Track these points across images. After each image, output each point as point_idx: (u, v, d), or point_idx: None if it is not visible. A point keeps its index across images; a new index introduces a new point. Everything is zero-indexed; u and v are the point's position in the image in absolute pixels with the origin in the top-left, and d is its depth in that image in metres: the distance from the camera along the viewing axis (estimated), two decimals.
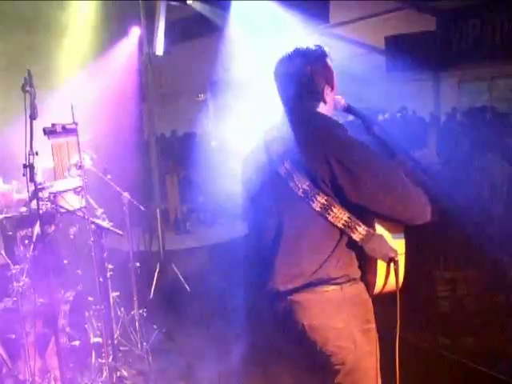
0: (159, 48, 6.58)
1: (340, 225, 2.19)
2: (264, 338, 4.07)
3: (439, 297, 5.76)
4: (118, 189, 4.80)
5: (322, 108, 2.40)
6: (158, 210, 7.09)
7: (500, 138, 8.26)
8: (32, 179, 2.99)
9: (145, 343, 4.80)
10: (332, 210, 2.18)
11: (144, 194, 7.22)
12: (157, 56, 6.80)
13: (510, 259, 5.73)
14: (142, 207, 5.11)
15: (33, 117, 2.92)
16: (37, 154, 2.96)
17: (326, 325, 2.27)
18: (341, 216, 2.18)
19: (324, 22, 9.63)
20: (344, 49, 14.31)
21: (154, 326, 5.16)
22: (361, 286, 2.33)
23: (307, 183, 2.20)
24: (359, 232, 2.18)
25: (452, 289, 5.74)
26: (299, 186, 2.21)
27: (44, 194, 3.88)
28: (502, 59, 12.57)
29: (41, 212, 3.26)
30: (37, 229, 3.82)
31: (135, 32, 6.89)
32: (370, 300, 2.36)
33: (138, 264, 5.04)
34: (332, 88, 2.41)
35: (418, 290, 5.51)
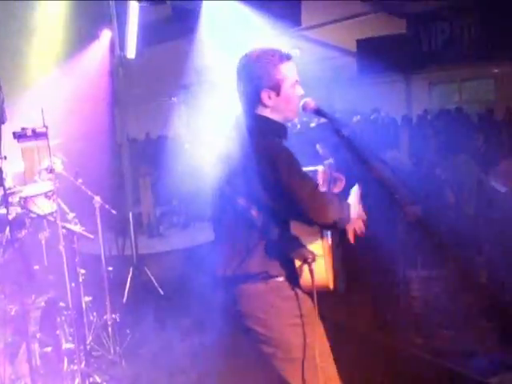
0: (131, 50, 6.54)
1: (259, 225, 2.39)
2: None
3: (413, 296, 5.83)
4: (89, 193, 4.76)
5: (265, 111, 2.49)
6: (130, 214, 7.04)
7: (469, 139, 8.41)
8: (1, 184, 2.95)
9: (118, 348, 4.77)
10: (251, 212, 2.37)
11: (117, 197, 7.16)
12: (129, 59, 6.76)
13: (481, 258, 5.82)
14: (113, 211, 5.07)
15: (1, 121, 2.89)
16: (5, 158, 2.93)
17: (251, 313, 2.46)
18: (258, 218, 2.37)
19: (296, 25, 9.66)
20: (316, 51, 14.42)
21: (128, 331, 5.12)
22: (286, 283, 2.46)
23: (231, 188, 2.41)
24: (274, 233, 2.39)
25: (426, 288, 5.81)
26: (231, 187, 2.42)
27: (14, 199, 3.83)
28: (471, 62, 12.78)
29: (11, 217, 3.21)
30: (7, 234, 3.76)
31: (106, 34, 6.83)
32: (304, 297, 2.48)
33: (110, 268, 5.00)
34: (278, 94, 2.46)
35: (391, 289, 5.58)
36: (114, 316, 4.94)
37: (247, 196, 2.38)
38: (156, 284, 6.63)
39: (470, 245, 5.75)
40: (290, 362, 2.45)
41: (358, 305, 5.85)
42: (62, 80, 6.85)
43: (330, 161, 2.78)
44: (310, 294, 2.48)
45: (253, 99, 2.48)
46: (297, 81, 2.52)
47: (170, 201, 10.18)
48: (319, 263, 2.40)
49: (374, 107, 14.57)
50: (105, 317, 4.92)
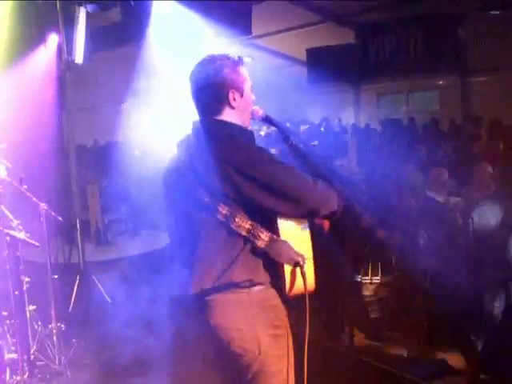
0: (79, 56, 6.46)
1: (244, 233, 2.28)
2: (184, 342, 4.09)
3: (366, 301, 5.93)
4: (34, 199, 4.67)
5: (230, 114, 2.46)
6: (77, 221, 6.93)
7: (416, 148, 8.61)
8: None
9: (63, 358, 4.69)
10: (234, 220, 2.27)
11: (63, 204, 7.04)
12: (77, 63, 6.67)
13: (428, 264, 5.96)
14: (60, 218, 4.99)
15: None
16: None
17: (229, 325, 2.34)
18: (243, 224, 2.27)
19: (246, 33, 9.69)
20: (266, 60, 14.53)
21: (73, 340, 5.04)
22: (271, 291, 2.39)
23: (208, 196, 2.30)
24: (262, 239, 2.28)
25: (375, 294, 5.91)
26: (203, 198, 2.32)
27: None
28: (417, 73, 13.11)
29: None
30: None
31: (53, 39, 6.73)
32: (282, 307, 2.42)
33: (55, 276, 4.92)
34: (241, 95, 2.47)
35: (338, 295, 5.66)
36: (59, 325, 4.86)
37: (229, 204, 2.28)
38: (103, 292, 6.55)
39: (416, 253, 5.88)
40: (265, 374, 2.37)
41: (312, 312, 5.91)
42: (6, 84, 6.70)
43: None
44: (287, 302, 2.42)
45: (218, 102, 2.45)
46: (251, 85, 2.54)
47: (119, 208, 10.06)
48: (309, 266, 2.33)
49: (324, 116, 14.80)
50: (50, 326, 4.84)
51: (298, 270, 2.30)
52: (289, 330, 2.44)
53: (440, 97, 15.15)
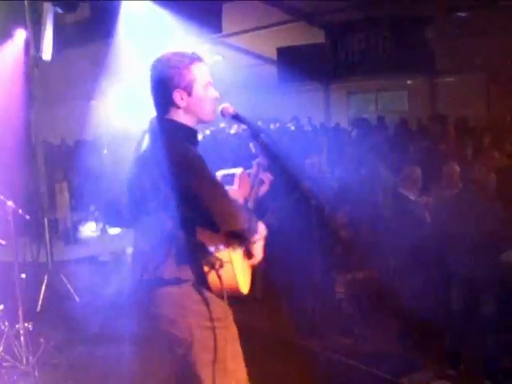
0: (47, 52, 6.37)
1: (169, 232, 2.41)
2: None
3: (337, 298, 5.98)
4: (1, 197, 4.60)
5: (177, 113, 2.51)
6: (45, 220, 6.84)
7: (384, 147, 8.70)
8: None
9: (31, 358, 4.61)
10: (164, 220, 2.40)
11: (31, 202, 6.95)
12: (45, 60, 6.59)
13: (398, 262, 6.03)
14: (27, 216, 4.92)
15: None
16: None
17: (165, 315, 2.48)
18: (167, 224, 2.40)
19: (216, 32, 9.70)
20: (237, 59, 14.54)
21: (41, 340, 4.97)
22: (198, 286, 2.47)
23: (151, 192, 2.40)
24: (183, 240, 2.41)
25: (347, 290, 5.97)
26: (147, 193, 2.42)
27: None
28: (386, 73, 13.24)
29: None
30: None
31: (21, 34, 6.63)
32: (216, 300, 2.50)
33: (23, 275, 4.85)
34: (189, 94, 2.48)
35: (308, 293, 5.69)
36: (26, 325, 4.78)
37: (159, 202, 2.38)
38: (72, 291, 6.49)
39: (386, 251, 5.95)
40: (201, 363, 2.47)
41: (277, 310, 5.95)
42: None
43: (259, 160, 2.80)
44: (222, 298, 2.50)
45: (165, 101, 2.49)
46: (209, 82, 2.54)
47: (88, 206, 9.94)
48: (227, 269, 2.44)
49: (294, 115, 14.84)
50: (17, 326, 4.76)
51: (213, 272, 2.43)
52: (222, 323, 2.52)
53: (409, 96, 15.32)
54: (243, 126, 2.96)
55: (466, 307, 4.78)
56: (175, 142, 2.42)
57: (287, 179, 2.68)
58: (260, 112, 13.62)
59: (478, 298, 4.67)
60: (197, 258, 2.43)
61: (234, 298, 2.52)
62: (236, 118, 2.71)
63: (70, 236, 9.55)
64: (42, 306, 6.12)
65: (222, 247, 2.46)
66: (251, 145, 2.78)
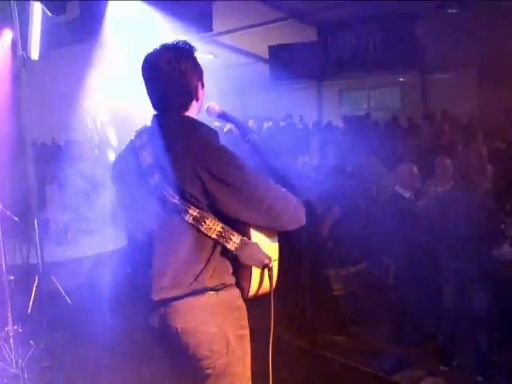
0: (34, 52, 6.32)
1: (214, 236, 2.19)
2: (144, 350, 4.05)
3: (337, 295, 5.97)
4: None
5: (193, 106, 2.36)
6: (35, 221, 6.78)
7: (376, 145, 8.69)
8: None
9: (20, 361, 4.57)
10: (205, 222, 2.18)
11: (21, 203, 6.89)
12: (33, 60, 6.53)
13: (390, 260, 6.03)
14: (15, 218, 4.88)
15: None
16: None
17: (199, 328, 2.25)
18: (214, 227, 2.19)
19: (207, 30, 9.65)
20: (228, 57, 14.51)
21: (31, 342, 4.93)
22: (236, 291, 2.34)
23: (177, 197, 2.18)
24: (234, 241, 2.21)
25: (343, 288, 5.96)
26: (170, 198, 2.19)
27: None
28: (377, 70, 13.26)
29: None
30: None
31: (7, 34, 6.58)
32: (244, 306, 2.38)
33: (11, 277, 4.80)
34: (203, 85, 2.39)
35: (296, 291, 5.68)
36: (16, 327, 4.75)
37: (199, 207, 2.18)
38: (63, 292, 6.44)
39: (380, 246, 5.94)
40: (230, 375, 2.31)
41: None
42: None
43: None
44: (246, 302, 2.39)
45: (186, 95, 2.33)
46: None
47: (79, 207, 9.89)
48: (275, 268, 2.31)
49: (287, 113, 14.84)
50: (6, 328, 4.72)
51: (266, 271, 2.27)
52: (248, 330, 2.41)
53: (400, 94, 15.34)
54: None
55: (457, 303, 4.77)
56: (213, 140, 2.28)
57: (277, 178, 2.61)
58: (252, 111, 13.63)
59: (470, 294, 4.66)
60: (245, 259, 2.23)
61: None
62: (223, 116, 2.62)
63: (61, 237, 9.54)
64: (32, 308, 6.07)
65: (270, 243, 2.32)
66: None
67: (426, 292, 5.07)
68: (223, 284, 2.27)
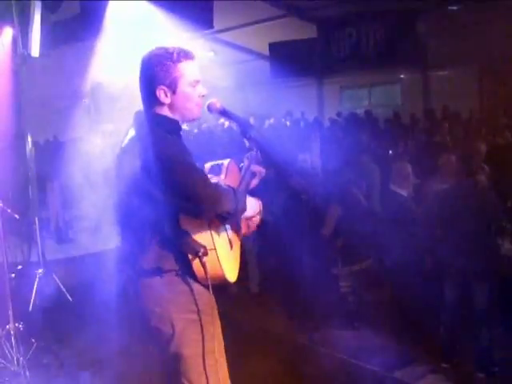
0: (35, 49, 6.32)
1: (151, 223, 2.39)
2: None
3: (343, 292, 5.97)
4: None
5: (163, 109, 2.49)
6: (36, 219, 6.78)
7: (376, 142, 8.68)
8: None
9: (22, 358, 4.57)
10: (141, 210, 2.37)
11: (22, 201, 6.89)
12: (33, 57, 6.53)
13: (388, 259, 6.02)
14: (16, 216, 4.87)
15: None
16: None
17: (147, 306, 2.46)
18: (148, 215, 2.36)
19: (208, 28, 9.64)
20: (229, 55, 14.50)
21: (33, 340, 4.92)
22: (180, 278, 2.45)
23: (129, 184, 2.40)
24: (166, 230, 2.39)
25: (349, 284, 5.95)
26: (122, 186, 2.45)
27: None
28: (378, 67, 13.22)
29: None
30: None
31: (8, 32, 6.57)
32: (196, 292, 2.46)
33: (13, 275, 4.80)
34: (174, 92, 2.46)
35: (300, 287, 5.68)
36: (17, 325, 4.74)
37: (141, 192, 2.36)
38: (64, 290, 6.44)
39: (378, 245, 5.93)
40: (181, 356, 2.44)
41: (273, 304, 5.93)
42: None
43: (253, 153, 2.74)
44: (208, 289, 2.47)
45: (150, 97, 2.47)
46: (197, 80, 2.50)
47: (79, 205, 9.89)
48: (212, 256, 2.40)
49: (287, 110, 14.82)
50: (7, 326, 4.72)
51: (197, 259, 2.39)
52: (207, 316, 2.49)
53: (402, 90, 15.30)
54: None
55: (459, 300, 4.76)
56: (155, 133, 2.40)
57: (278, 175, 2.61)
58: (253, 108, 13.60)
59: (471, 291, 4.65)
60: (180, 246, 2.40)
61: (222, 290, 2.48)
62: (223, 113, 2.67)
63: (62, 235, 9.57)
64: (33, 306, 6.07)
65: (204, 233, 2.42)
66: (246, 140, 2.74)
67: (427, 289, 5.06)
68: (160, 268, 2.42)
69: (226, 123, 13.73)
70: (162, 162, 2.31)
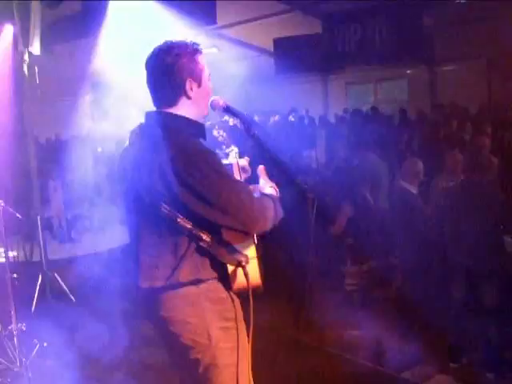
0: (36, 47, 6.33)
1: (187, 233, 2.28)
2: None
3: (349, 290, 5.96)
4: None
5: (186, 104, 2.42)
6: (39, 218, 6.80)
7: (383, 138, 8.66)
8: None
9: (24, 359, 4.58)
10: (177, 219, 2.25)
11: (24, 201, 6.92)
12: (35, 55, 6.54)
13: (396, 260, 6.02)
14: (18, 215, 4.88)
15: None
16: None
17: (179, 318, 2.35)
18: (185, 225, 2.26)
19: (211, 23, 9.63)
20: (233, 51, 14.47)
21: (35, 341, 4.93)
22: (218, 285, 2.39)
23: (150, 194, 2.29)
24: (204, 239, 2.28)
25: (356, 283, 5.95)
26: (146, 197, 2.31)
27: None
28: (384, 62, 13.17)
29: None
30: None
31: (9, 29, 6.58)
32: (232, 300, 2.42)
33: (15, 275, 4.81)
34: (199, 85, 2.42)
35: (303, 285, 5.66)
36: (20, 325, 4.75)
37: (171, 202, 2.25)
38: (67, 291, 6.46)
39: (386, 244, 5.92)
40: (216, 367, 2.37)
41: (279, 304, 5.93)
42: None
43: (232, 148, 2.74)
44: (238, 296, 2.44)
45: (174, 91, 2.39)
46: (210, 74, 2.49)
47: (82, 204, 9.93)
48: (252, 265, 2.36)
49: (292, 107, 14.80)
50: (10, 327, 4.73)
51: (241, 270, 2.33)
52: (241, 323, 2.45)
53: (408, 86, 15.27)
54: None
55: (468, 299, 4.75)
56: (187, 139, 2.31)
57: (283, 173, 2.61)
58: (257, 105, 13.58)
59: (481, 290, 4.64)
60: (221, 256, 2.31)
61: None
62: (227, 110, 2.64)
63: (65, 234, 9.59)
64: (36, 306, 6.08)
65: (247, 242, 2.38)
66: (215, 132, 2.73)
67: (435, 288, 5.05)
68: (199, 279, 2.34)
69: (231, 120, 13.73)
70: (202, 171, 2.21)
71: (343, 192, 6.55)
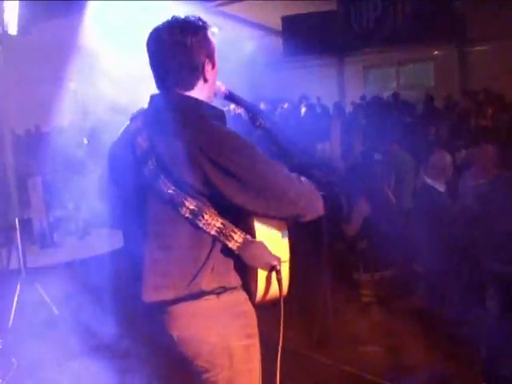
0: (12, 26, 6.35)
1: (213, 232, 2.21)
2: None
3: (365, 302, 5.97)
4: None
5: (201, 88, 2.38)
6: (17, 221, 6.81)
7: (407, 129, 8.66)
8: None
9: (1, 380, 4.61)
10: (203, 217, 2.19)
11: (1, 200, 6.94)
12: (10, 35, 6.56)
13: (420, 268, 6.01)
14: None
15: None
16: None
17: (197, 338, 2.29)
18: (213, 223, 2.20)
19: (211, 0, 9.66)
20: (236, 30, 14.46)
21: (13, 359, 4.95)
22: (242, 295, 2.35)
23: (173, 187, 2.20)
24: (235, 240, 2.21)
25: (372, 293, 5.95)
26: (164, 189, 2.22)
27: None
28: (408, 42, 13.14)
29: None
30: None
31: None
32: (253, 312, 2.39)
33: None
34: (213, 66, 2.41)
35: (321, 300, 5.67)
36: None
37: (197, 198, 2.20)
38: (49, 301, 6.47)
39: (409, 248, 5.92)
40: None
41: (290, 317, 5.93)
42: None
43: None
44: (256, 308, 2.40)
45: (190, 75, 2.35)
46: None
47: (66, 204, 9.94)
48: (284, 270, 2.30)
49: (303, 94, 14.80)
50: None
51: (273, 274, 2.27)
52: (258, 339, 2.41)
53: (435, 69, 15.24)
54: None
55: (502, 310, 4.74)
56: (218, 125, 2.27)
57: (293, 169, 2.59)
58: (263, 91, 13.60)
59: None
60: (250, 260, 2.23)
61: None
62: (229, 98, 2.65)
63: (47, 239, 9.60)
64: (14, 320, 6.10)
65: (282, 242, 2.32)
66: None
67: (465, 299, 5.04)
68: (223, 287, 2.28)
69: (235, 109, 13.75)
70: (237, 156, 2.17)
71: (360, 189, 6.55)
